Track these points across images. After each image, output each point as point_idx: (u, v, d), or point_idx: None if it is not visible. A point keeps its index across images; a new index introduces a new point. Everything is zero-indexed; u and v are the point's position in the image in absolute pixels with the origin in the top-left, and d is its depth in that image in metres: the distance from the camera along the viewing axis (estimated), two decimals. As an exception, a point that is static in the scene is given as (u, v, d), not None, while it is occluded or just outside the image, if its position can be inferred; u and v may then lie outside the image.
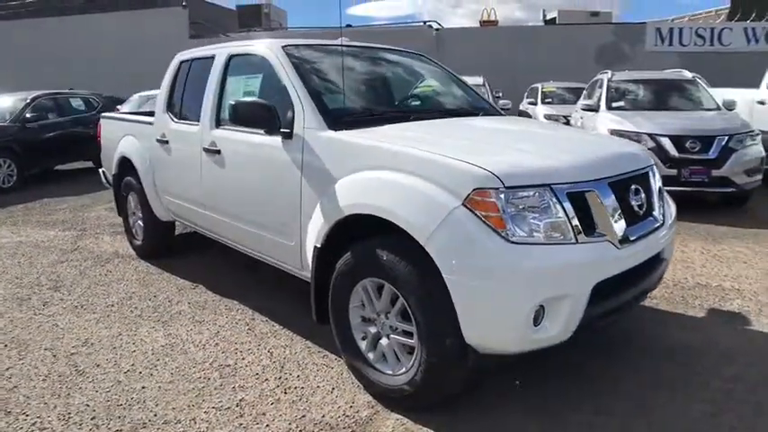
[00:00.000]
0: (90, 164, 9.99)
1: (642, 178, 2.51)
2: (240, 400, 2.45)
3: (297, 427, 2.24)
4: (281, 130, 2.74)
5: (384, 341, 2.37)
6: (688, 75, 7.01)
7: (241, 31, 17.93)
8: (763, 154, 5.53)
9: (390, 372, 2.34)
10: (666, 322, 3.18)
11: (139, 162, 4.32)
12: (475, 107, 3.40)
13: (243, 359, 2.84)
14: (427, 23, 17.77)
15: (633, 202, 2.36)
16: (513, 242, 1.96)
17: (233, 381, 2.62)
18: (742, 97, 6.79)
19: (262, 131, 2.84)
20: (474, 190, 1.99)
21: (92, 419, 2.33)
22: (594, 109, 6.83)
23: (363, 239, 2.38)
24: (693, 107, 6.44)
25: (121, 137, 4.70)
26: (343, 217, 2.37)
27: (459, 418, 2.27)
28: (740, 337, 3.00)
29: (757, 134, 5.54)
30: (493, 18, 18.73)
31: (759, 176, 5.53)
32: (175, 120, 3.87)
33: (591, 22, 19.45)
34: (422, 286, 2.09)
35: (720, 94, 6.61)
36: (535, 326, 1.99)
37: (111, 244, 5.14)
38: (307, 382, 2.60)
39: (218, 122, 3.36)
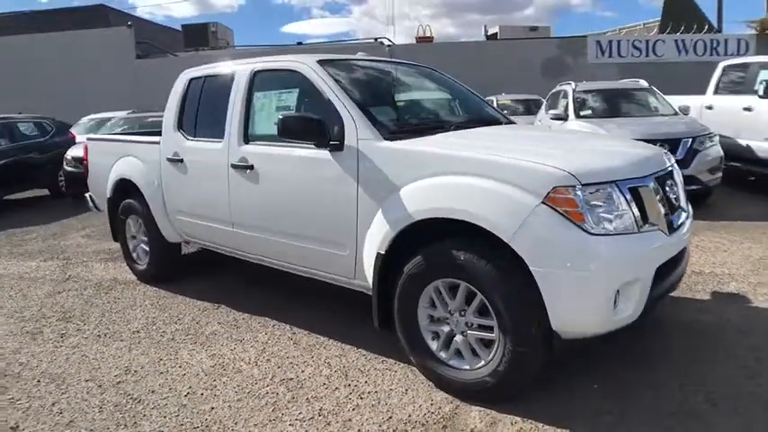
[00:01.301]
0: (46, 192, 9.46)
1: (671, 174, 2.78)
2: (320, 410, 2.46)
3: (388, 428, 2.29)
4: (331, 142, 2.80)
5: (459, 338, 2.47)
6: (644, 84, 7.63)
7: (188, 50, 17.49)
8: (722, 153, 6.11)
9: (468, 367, 2.44)
10: (683, 306, 3.47)
11: (144, 183, 4.20)
12: (496, 117, 3.60)
13: (302, 372, 2.84)
14: (379, 40, 18.13)
15: (670, 195, 2.62)
16: (592, 234, 2.13)
17: (303, 393, 2.62)
18: (692, 103, 7.48)
19: (309, 145, 2.88)
20: (553, 188, 2.15)
21: (172, 444, 2.27)
22: (563, 118, 7.27)
23: (429, 243, 2.48)
24: (654, 113, 7.02)
25: (117, 158, 4.54)
26: (413, 222, 2.46)
27: (535, 405, 2.38)
28: (747, 314, 3.33)
29: (715, 135, 6.13)
30: (428, 34, 19.16)
31: (720, 174, 6.10)
32: (190, 138, 3.81)
33: (530, 36, 20.54)
34: (505, 281, 2.22)
35: (675, 101, 7.24)
36: (614, 308, 2.17)
37: (106, 270, 4.92)
38: (377, 386, 2.64)
39: (247, 138, 3.36)
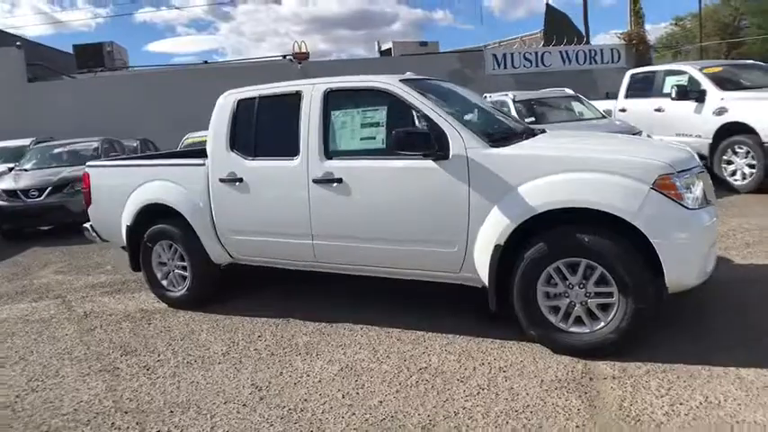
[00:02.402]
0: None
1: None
2: (478, 386, 2.78)
3: (548, 387, 2.70)
4: (438, 152, 3.16)
5: (578, 307, 2.96)
6: (570, 92, 8.83)
7: (81, 71, 16.04)
8: (649, 147, 7.38)
9: (588, 330, 2.94)
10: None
11: (188, 206, 4.11)
12: (531, 126, 4.19)
13: (430, 360, 3.12)
14: (288, 58, 18.23)
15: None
16: (690, 209, 2.77)
17: (449, 376, 2.91)
18: (608, 107, 8.85)
19: (414, 156, 3.19)
20: (659, 176, 2.75)
21: (372, 436, 2.46)
22: (508, 124, 8.17)
23: (539, 232, 2.96)
24: (586, 117, 8.18)
25: (139, 184, 4.38)
26: (537, 213, 2.91)
27: (646, 351, 2.93)
28: (739, 270, 4.22)
29: (642, 132, 7.38)
30: (304, 50, 19.60)
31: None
32: (250, 157, 3.86)
33: (428, 51, 21.96)
34: (626, 253, 2.76)
35: (597, 106, 8.53)
36: (706, 265, 2.83)
37: (124, 302, 4.65)
38: (508, 361, 3.03)
39: (329, 154, 3.56)
